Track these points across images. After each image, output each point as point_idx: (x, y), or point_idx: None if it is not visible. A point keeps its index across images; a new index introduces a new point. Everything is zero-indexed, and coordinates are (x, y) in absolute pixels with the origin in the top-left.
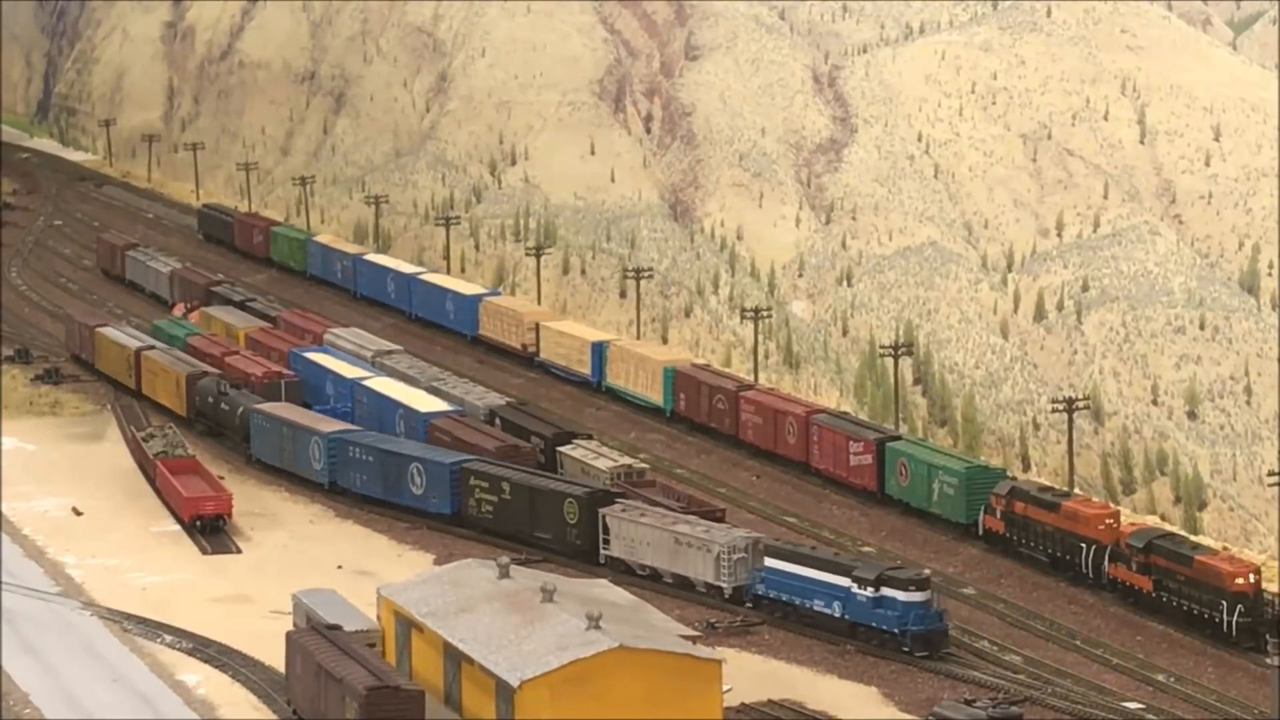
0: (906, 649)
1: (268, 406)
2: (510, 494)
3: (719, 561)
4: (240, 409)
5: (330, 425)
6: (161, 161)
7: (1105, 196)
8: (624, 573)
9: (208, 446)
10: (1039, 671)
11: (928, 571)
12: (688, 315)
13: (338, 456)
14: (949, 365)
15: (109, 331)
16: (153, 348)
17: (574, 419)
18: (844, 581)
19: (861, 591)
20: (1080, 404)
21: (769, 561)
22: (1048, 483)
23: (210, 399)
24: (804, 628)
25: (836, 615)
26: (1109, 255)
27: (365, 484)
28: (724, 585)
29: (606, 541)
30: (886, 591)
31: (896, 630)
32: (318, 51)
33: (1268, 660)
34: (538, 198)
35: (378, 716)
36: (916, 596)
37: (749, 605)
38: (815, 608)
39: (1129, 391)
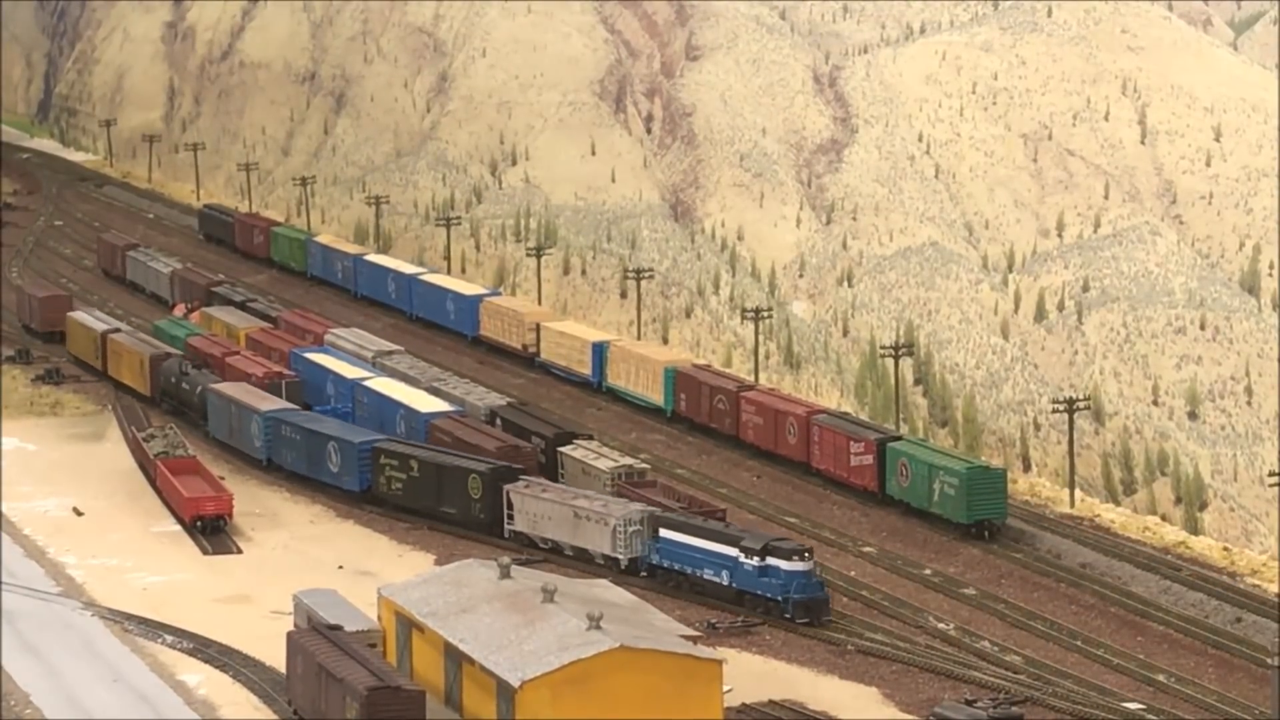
0: (788, 616)
1: (222, 386)
2: (418, 471)
3: (615, 534)
4: (199, 388)
5: (270, 404)
6: (162, 162)
7: (1106, 197)
8: (527, 545)
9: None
10: (1039, 672)
11: (810, 544)
12: (688, 316)
13: (273, 435)
14: (949, 365)
15: (79, 315)
16: (118, 330)
17: (574, 419)
18: (732, 551)
19: (748, 561)
20: (1081, 404)
21: (663, 533)
22: None
23: (173, 379)
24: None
25: (725, 583)
26: (1109, 255)
27: (294, 461)
28: (620, 556)
29: (511, 517)
30: (771, 561)
31: (780, 598)
32: (318, 52)
33: (1268, 660)
34: (538, 198)
35: (379, 717)
36: (799, 566)
37: (644, 575)
38: (705, 576)
39: (1129, 392)
